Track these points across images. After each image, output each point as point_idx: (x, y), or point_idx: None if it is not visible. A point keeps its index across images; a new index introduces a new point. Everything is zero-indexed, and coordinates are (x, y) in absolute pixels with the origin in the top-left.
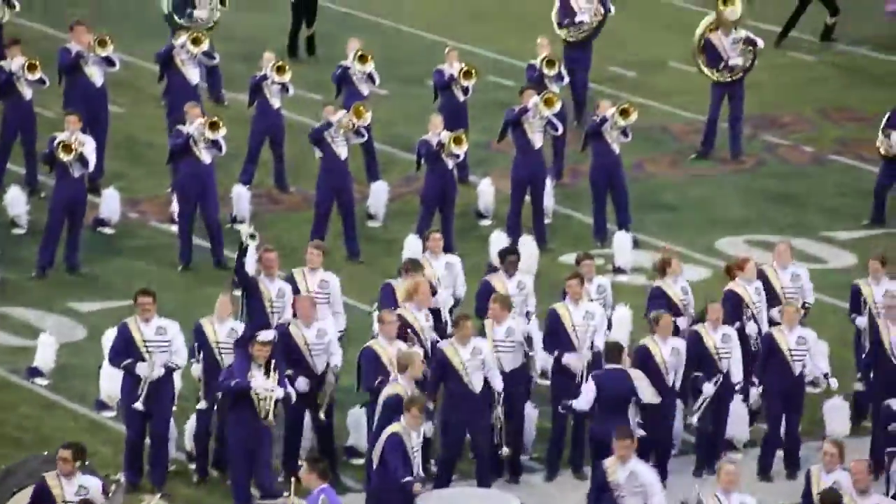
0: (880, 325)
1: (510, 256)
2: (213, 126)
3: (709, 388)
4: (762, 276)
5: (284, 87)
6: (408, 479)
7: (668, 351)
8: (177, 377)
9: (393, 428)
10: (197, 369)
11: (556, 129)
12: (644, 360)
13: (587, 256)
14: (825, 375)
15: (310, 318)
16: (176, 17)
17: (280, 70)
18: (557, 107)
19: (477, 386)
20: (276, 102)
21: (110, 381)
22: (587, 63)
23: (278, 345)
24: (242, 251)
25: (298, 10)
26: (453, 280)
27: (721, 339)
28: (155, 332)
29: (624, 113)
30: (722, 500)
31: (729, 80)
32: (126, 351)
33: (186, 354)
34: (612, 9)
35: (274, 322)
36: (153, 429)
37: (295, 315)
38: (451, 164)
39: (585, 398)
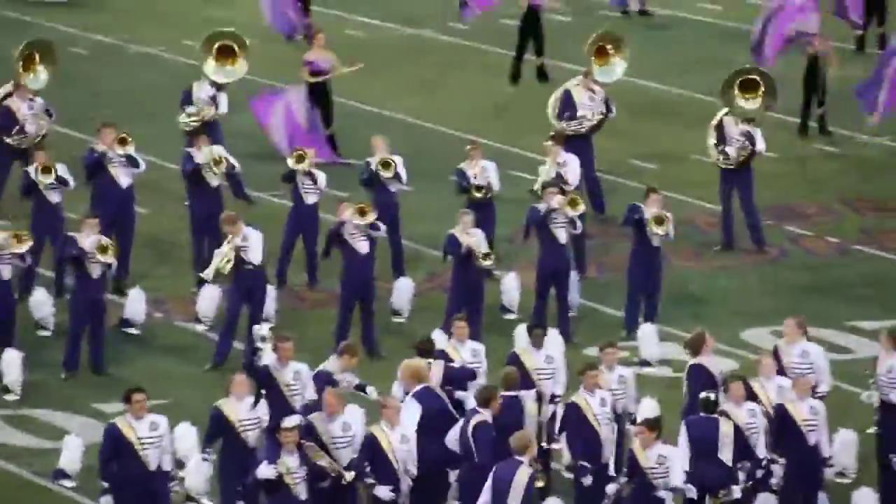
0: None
1: (536, 330)
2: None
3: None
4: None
5: (314, 182)
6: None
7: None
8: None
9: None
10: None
11: (577, 228)
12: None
13: (610, 345)
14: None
15: (334, 412)
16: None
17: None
18: (581, 207)
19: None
20: (310, 199)
21: None
22: (590, 156)
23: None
24: (254, 351)
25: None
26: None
27: (748, 415)
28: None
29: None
30: None
31: (722, 166)
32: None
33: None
34: (615, 111)
35: (296, 405)
36: None
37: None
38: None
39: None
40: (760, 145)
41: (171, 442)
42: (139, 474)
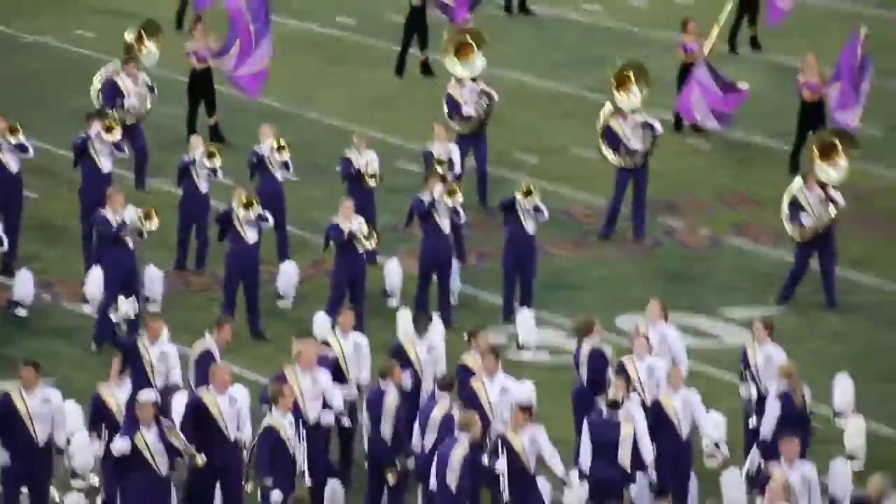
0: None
1: (421, 320)
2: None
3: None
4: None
5: (213, 172)
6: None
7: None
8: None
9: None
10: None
11: (460, 218)
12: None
13: (480, 328)
14: (716, 444)
15: (224, 386)
16: (106, 108)
17: (211, 156)
18: (459, 197)
19: None
20: (204, 187)
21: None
22: (483, 151)
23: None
24: (118, 325)
25: (195, 98)
26: (360, 360)
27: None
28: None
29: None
30: None
31: (632, 165)
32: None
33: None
34: (496, 96)
35: (157, 384)
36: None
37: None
38: (360, 250)
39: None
40: (658, 127)
41: (64, 418)
42: (26, 447)
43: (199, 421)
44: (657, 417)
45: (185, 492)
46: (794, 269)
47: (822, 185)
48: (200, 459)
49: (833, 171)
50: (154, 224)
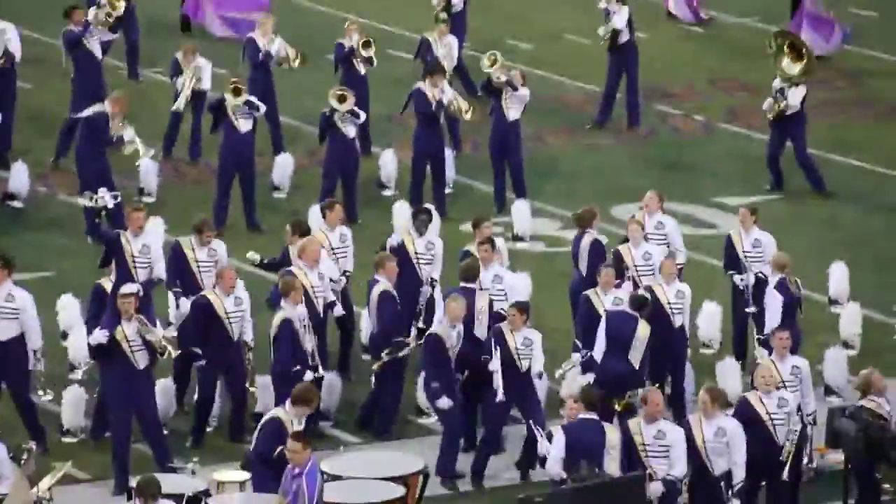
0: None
1: (421, 216)
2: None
3: None
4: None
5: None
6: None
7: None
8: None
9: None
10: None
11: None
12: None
13: (485, 219)
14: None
15: (231, 287)
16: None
17: (366, 45)
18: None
19: None
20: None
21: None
22: (461, 37)
23: (195, 313)
24: (97, 213)
25: None
26: (346, 251)
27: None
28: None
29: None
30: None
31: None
32: None
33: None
34: None
35: (139, 278)
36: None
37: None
38: (351, 132)
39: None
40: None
41: (30, 317)
42: None
43: (206, 321)
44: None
45: (198, 394)
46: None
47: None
48: (174, 351)
49: (795, 68)
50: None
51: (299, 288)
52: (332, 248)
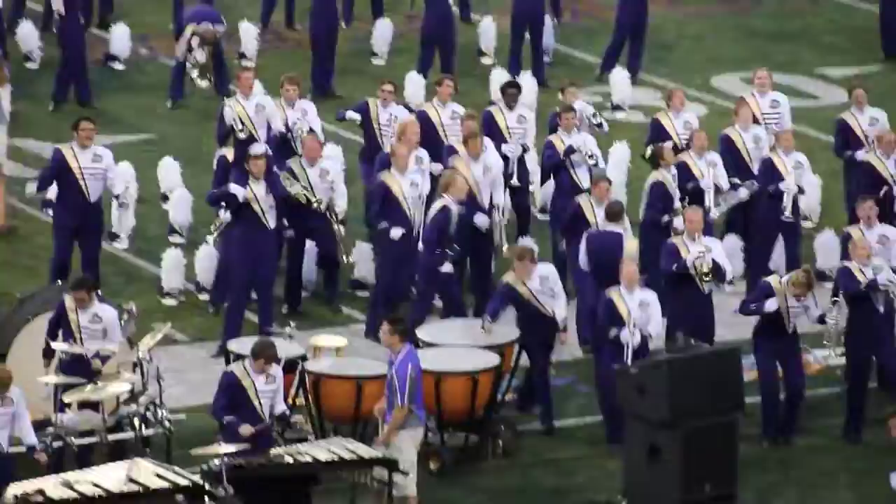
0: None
1: (510, 89)
2: None
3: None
4: (744, 103)
5: None
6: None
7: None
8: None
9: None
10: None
11: None
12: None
13: (571, 84)
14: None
15: (314, 156)
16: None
17: None
18: None
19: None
20: None
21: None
22: None
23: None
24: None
25: None
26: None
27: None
28: (91, 159)
29: None
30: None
31: None
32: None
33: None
34: None
35: (260, 136)
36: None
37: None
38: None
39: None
40: None
41: (116, 175)
42: (78, 203)
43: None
44: (768, 176)
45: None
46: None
47: None
48: (318, 203)
49: None
50: None
51: (462, 186)
52: (443, 124)
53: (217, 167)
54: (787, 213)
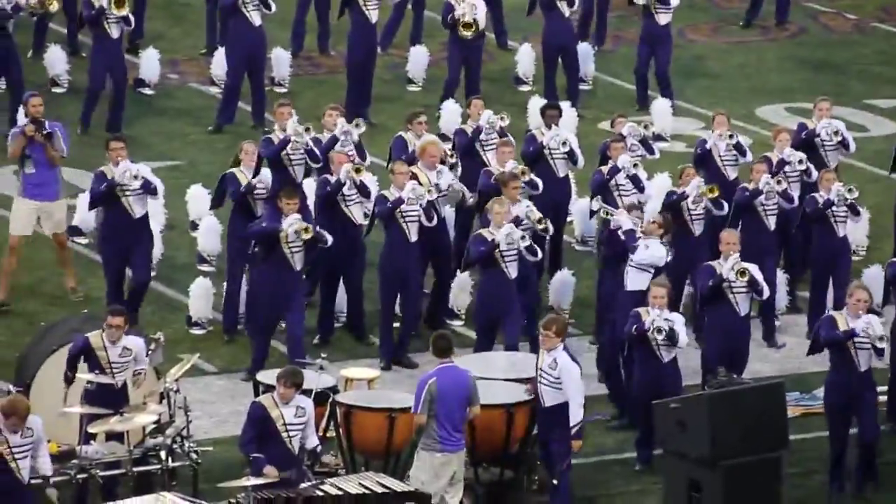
0: None
1: (550, 111)
2: None
3: None
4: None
5: None
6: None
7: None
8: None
9: None
10: None
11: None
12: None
13: (620, 116)
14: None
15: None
16: None
17: None
18: None
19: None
20: None
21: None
22: None
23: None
24: None
25: None
26: None
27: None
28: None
29: None
30: None
31: None
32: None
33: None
34: None
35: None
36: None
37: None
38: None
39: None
40: None
41: (150, 188)
42: (126, 222)
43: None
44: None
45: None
46: None
47: None
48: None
49: None
50: None
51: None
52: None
53: (230, 185)
54: None
